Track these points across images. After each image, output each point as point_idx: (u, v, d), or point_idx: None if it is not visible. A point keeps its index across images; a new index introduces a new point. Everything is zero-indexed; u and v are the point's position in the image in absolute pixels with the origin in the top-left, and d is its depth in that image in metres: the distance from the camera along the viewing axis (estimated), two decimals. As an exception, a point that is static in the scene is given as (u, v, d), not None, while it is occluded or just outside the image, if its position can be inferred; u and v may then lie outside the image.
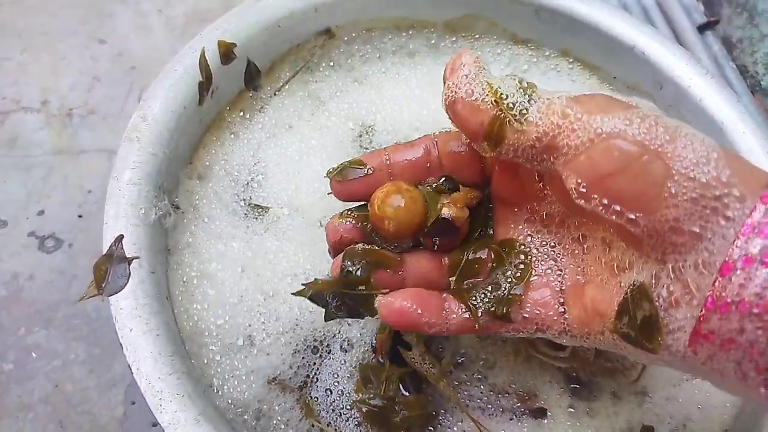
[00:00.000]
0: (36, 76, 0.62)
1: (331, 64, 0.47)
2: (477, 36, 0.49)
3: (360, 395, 0.34)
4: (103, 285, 0.31)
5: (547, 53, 0.48)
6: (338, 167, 0.30)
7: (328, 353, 0.36)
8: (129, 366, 0.29)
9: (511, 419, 0.35)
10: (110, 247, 0.32)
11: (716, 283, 0.22)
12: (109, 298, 0.31)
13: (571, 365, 0.36)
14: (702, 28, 0.67)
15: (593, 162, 0.23)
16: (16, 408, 0.49)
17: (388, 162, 0.30)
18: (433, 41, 0.49)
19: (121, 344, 0.29)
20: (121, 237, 0.32)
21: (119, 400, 0.50)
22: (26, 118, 0.60)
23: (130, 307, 0.30)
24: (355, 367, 0.36)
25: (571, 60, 0.48)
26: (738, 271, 0.22)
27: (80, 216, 0.57)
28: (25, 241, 0.55)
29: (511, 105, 0.25)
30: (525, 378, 0.36)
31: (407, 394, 0.35)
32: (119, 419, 0.50)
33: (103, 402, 0.50)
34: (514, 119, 0.25)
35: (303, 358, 0.36)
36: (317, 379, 0.36)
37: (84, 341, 0.52)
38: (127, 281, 0.31)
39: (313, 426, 0.34)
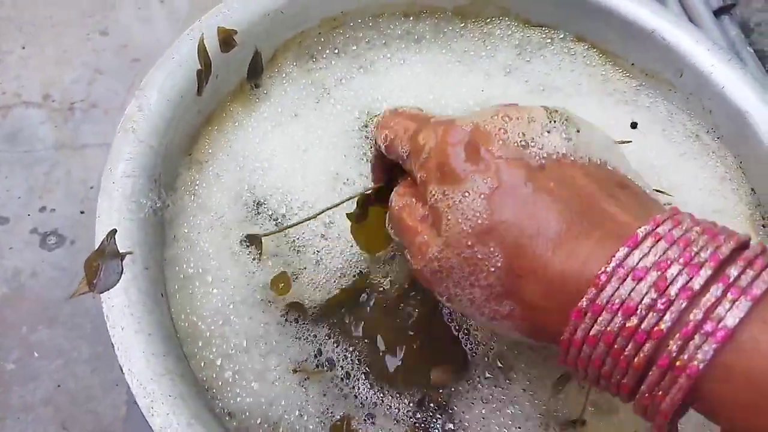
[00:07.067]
0: (38, 70, 0.61)
1: (336, 51, 0.46)
2: (487, 20, 0.47)
3: None
4: (95, 281, 0.29)
5: (562, 36, 0.46)
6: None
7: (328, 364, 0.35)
8: (120, 367, 0.27)
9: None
10: (102, 242, 0.30)
11: None
12: (101, 295, 0.29)
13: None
14: (718, 12, 0.65)
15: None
16: (19, 408, 0.48)
17: None
18: (440, 27, 0.47)
19: (112, 344, 0.28)
20: (114, 231, 0.31)
21: (123, 399, 0.49)
22: (28, 113, 0.59)
23: (121, 304, 0.29)
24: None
25: (587, 46, 0.46)
26: None
27: (82, 212, 0.55)
28: (27, 237, 0.54)
29: None
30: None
31: None
32: (123, 418, 0.48)
33: (107, 401, 0.49)
34: None
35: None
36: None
37: (87, 339, 0.51)
38: (119, 278, 0.29)
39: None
